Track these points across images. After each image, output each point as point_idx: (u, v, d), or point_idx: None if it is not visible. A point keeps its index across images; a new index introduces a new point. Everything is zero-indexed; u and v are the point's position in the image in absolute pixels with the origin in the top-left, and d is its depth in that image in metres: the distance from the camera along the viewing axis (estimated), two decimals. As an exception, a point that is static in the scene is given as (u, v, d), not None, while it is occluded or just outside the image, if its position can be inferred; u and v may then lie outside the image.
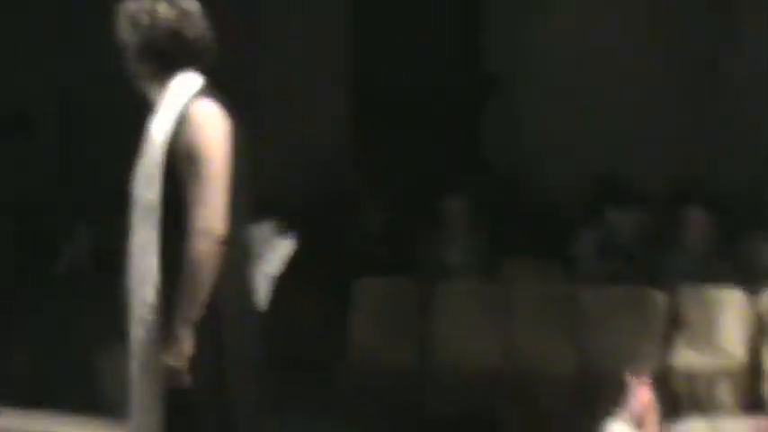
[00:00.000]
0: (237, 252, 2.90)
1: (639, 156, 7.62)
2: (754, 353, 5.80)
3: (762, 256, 6.41)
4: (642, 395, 4.69)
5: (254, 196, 3.00)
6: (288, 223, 5.13)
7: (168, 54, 2.89)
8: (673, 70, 7.69)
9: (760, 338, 5.83)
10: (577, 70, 7.76)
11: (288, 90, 7.85)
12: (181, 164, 2.79)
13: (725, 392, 5.72)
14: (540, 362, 5.87)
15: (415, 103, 7.89)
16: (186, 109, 2.83)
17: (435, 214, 6.73)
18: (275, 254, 3.84)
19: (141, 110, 3.00)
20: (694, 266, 6.40)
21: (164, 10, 2.87)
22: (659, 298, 6.04)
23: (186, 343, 2.74)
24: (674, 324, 6.00)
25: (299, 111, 7.84)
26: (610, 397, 4.87)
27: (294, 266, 5.35)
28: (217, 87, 2.93)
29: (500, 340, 6.00)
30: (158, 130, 2.84)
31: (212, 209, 2.75)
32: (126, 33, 2.92)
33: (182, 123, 2.81)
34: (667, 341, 5.93)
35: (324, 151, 7.61)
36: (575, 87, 7.77)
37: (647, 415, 4.69)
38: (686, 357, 5.82)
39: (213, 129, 2.80)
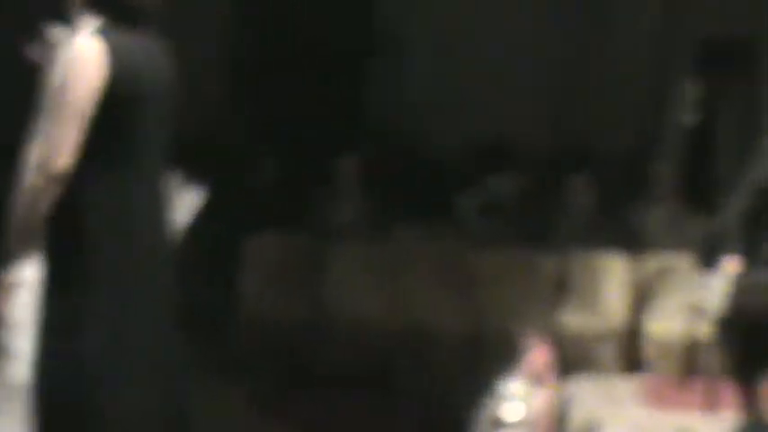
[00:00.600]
0: (136, 200, 2.86)
1: (523, 120, 7.77)
2: (635, 316, 6.01)
3: (643, 221, 6.65)
4: (540, 354, 4.80)
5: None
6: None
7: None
8: (556, 36, 7.85)
9: (641, 303, 6.05)
10: (464, 33, 7.84)
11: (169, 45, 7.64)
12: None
13: (608, 354, 5.92)
14: (431, 320, 5.95)
15: (301, 59, 7.82)
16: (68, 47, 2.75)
17: (327, 172, 6.72)
18: (182, 205, 3.71)
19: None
20: (578, 231, 6.59)
21: None
22: (546, 261, 6.19)
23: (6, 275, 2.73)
24: (561, 287, 6.17)
25: (181, 66, 7.66)
26: (501, 356, 4.97)
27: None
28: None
29: (392, 299, 6.05)
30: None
31: (53, 144, 2.66)
32: None
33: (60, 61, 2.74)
34: (554, 304, 6.09)
35: (209, 108, 7.46)
36: (461, 50, 7.85)
37: (545, 374, 4.81)
38: (571, 320, 5.99)
39: (77, 65, 2.70)
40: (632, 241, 6.39)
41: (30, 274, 2.85)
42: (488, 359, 5.47)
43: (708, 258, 5.03)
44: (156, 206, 3.05)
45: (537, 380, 4.76)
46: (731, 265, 4.56)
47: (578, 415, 4.90)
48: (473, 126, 7.71)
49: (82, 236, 2.75)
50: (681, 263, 6.05)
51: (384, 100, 7.95)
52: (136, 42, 2.87)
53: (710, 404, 5.13)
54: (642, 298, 6.06)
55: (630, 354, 5.94)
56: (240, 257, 6.06)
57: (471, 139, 7.71)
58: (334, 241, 6.24)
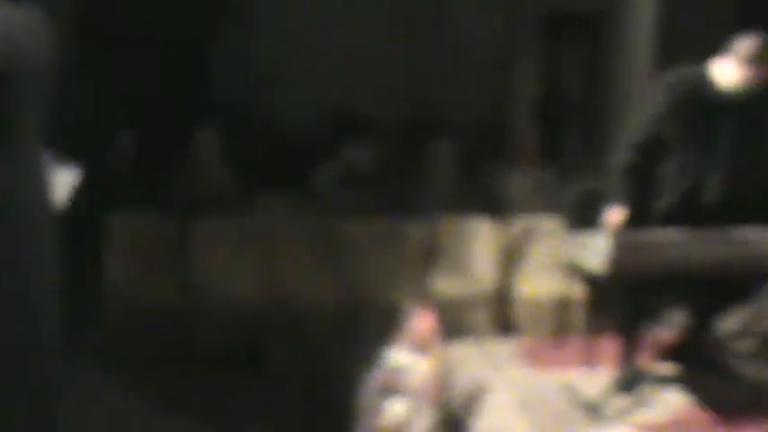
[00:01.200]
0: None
1: (378, 90, 7.76)
2: (505, 279, 6.09)
3: (504, 186, 6.74)
4: (424, 321, 4.80)
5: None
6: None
7: None
8: (409, 5, 7.87)
9: (509, 265, 6.13)
10: (316, 3, 7.76)
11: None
12: None
13: (480, 318, 5.98)
14: (303, 294, 5.86)
15: (148, 31, 7.58)
16: None
17: (185, 147, 6.52)
18: (59, 184, 3.53)
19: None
20: (443, 198, 6.62)
21: None
22: (414, 229, 6.19)
23: None
24: (430, 254, 6.18)
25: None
26: (379, 325, 4.95)
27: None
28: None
29: (261, 273, 5.92)
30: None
31: None
32: None
33: None
34: (424, 271, 6.10)
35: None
36: (313, 20, 7.76)
37: (429, 341, 4.80)
38: (443, 285, 6.01)
39: None
40: (496, 206, 6.47)
41: None
42: (365, 329, 5.45)
43: (584, 217, 5.14)
44: (37, 186, 2.92)
45: (421, 347, 4.76)
46: (611, 223, 4.68)
47: (462, 379, 4.94)
48: (328, 96, 7.66)
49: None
50: (546, 224, 6.17)
51: (237, 72, 7.80)
52: (14, 16, 2.73)
53: (588, 360, 5.26)
54: (510, 261, 6.14)
55: (503, 316, 6.02)
56: (103, 238, 5.82)
57: (327, 109, 7.65)
58: (198, 217, 6.06)
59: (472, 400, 4.67)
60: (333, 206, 6.60)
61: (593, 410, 4.71)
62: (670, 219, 4.73)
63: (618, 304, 5.01)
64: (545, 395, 4.95)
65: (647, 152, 4.76)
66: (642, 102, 5.08)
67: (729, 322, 5.29)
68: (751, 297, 5.25)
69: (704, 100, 4.66)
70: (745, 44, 4.57)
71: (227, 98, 7.70)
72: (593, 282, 5.29)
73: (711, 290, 5.12)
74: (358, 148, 7.17)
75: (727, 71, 4.60)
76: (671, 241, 4.61)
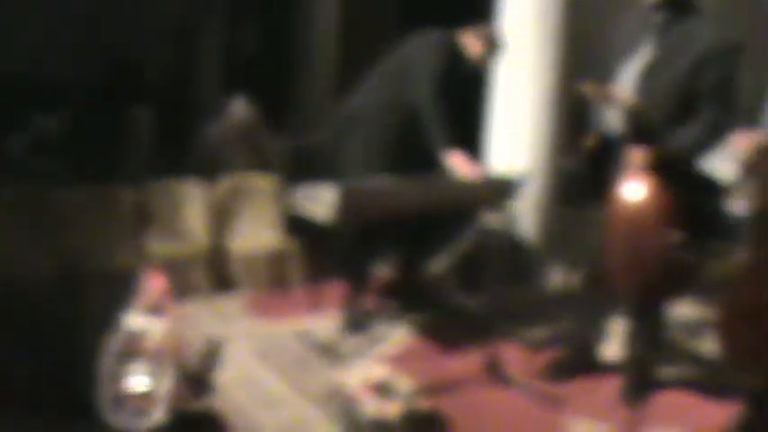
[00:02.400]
0: None
1: (66, 49, 7.52)
2: (218, 238, 6.18)
3: (210, 144, 6.80)
4: (156, 283, 4.82)
5: None
6: None
7: None
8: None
9: (221, 224, 6.22)
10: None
11: None
12: None
13: (199, 276, 6.04)
14: (21, 267, 5.66)
15: None
16: None
17: None
18: None
19: None
20: (146, 161, 6.59)
21: None
22: (125, 194, 6.13)
23: None
24: (143, 218, 6.15)
25: None
26: (102, 292, 4.92)
27: None
28: None
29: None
30: None
31: None
32: None
33: None
34: (139, 234, 6.07)
35: None
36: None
37: (163, 302, 4.83)
38: (158, 247, 6.00)
39: None
40: (203, 166, 6.53)
41: None
42: (91, 297, 5.38)
43: (296, 172, 5.35)
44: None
45: (155, 309, 4.78)
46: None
47: (198, 337, 5.01)
48: (11, 60, 7.34)
49: None
50: (257, 182, 6.31)
51: None
52: None
53: (315, 306, 5.49)
54: (223, 219, 6.24)
55: (220, 274, 6.11)
56: None
57: (8, 75, 7.34)
58: None
59: (211, 357, 4.76)
60: (30, 176, 6.39)
61: (329, 352, 4.95)
62: None
63: (343, 250, 5.27)
64: (282, 343, 5.13)
65: None
66: None
67: (439, 260, 5.71)
68: (455, 237, 5.69)
69: None
70: None
71: None
72: (314, 232, 5.51)
73: (422, 231, 5.53)
74: (46, 115, 6.96)
75: None
76: (390, 189, 4.90)
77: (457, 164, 5.18)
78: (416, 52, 5.41)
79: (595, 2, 6.63)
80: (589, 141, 4.74)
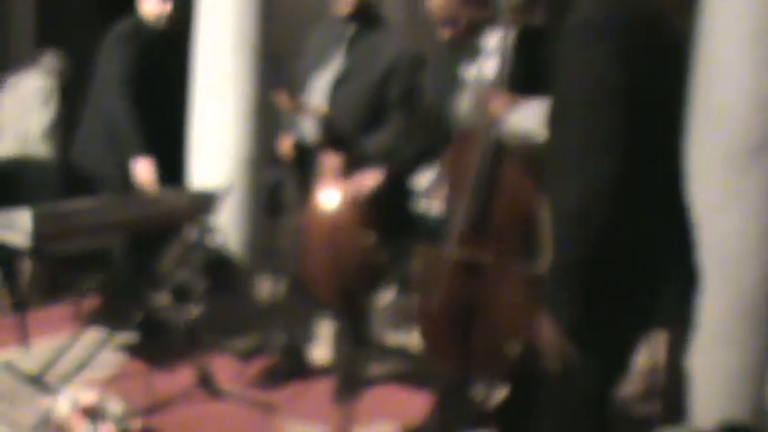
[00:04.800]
0: None
1: None
2: None
3: None
4: None
5: None
6: None
7: None
8: None
9: None
10: None
11: None
12: None
13: None
14: None
15: None
16: None
17: None
18: None
19: None
20: None
21: None
22: None
23: None
24: None
25: None
26: None
27: None
28: None
29: None
30: None
31: None
32: None
33: None
34: None
35: None
36: None
37: None
38: None
39: None
40: None
41: None
42: None
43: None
44: None
45: None
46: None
47: None
48: None
49: None
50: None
51: None
52: None
53: (20, 336, 5.31)
54: None
55: None
56: None
57: None
58: None
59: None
60: None
61: (37, 382, 4.79)
62: None
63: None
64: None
65: None
66: None
67: (145, 277, 5.63)
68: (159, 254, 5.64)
69: None
70: None
71: None
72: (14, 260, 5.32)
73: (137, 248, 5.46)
74: None
75: None
76: (89, 207, 4.79)
77: (140, 172, 5.21)
78: (102, 56, 5.41)
79: (291, 12, 6.77)
80: (286, 150, 4.86)
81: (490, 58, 3.85)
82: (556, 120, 2.86)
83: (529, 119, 3.27)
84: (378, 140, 4.59)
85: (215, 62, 6.07)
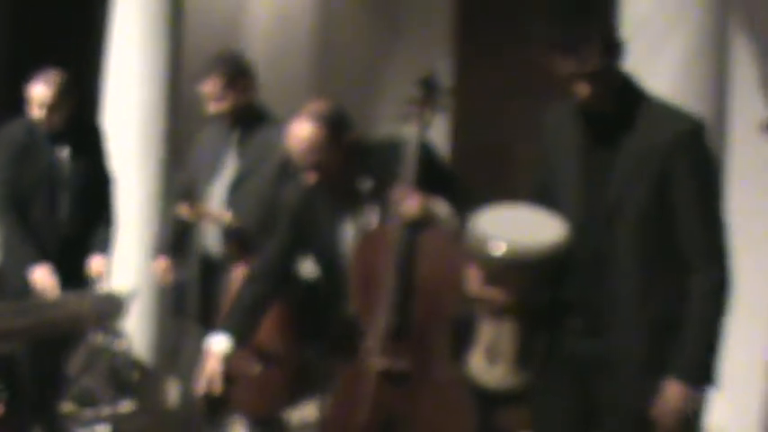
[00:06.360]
0: None
1: None
2: None
3: None
4: None
5: None
6: None
7: None
8: None
9: None
10: None
11: None
12: None
13: None
14: None
15: None
16: None
17: None
18: None
19: None
20: None
21: None
22: None
23: None
24: None
25: None
26: None
27: None
28: None
29: None
30: None
31: None
32: None
33: None
34: None
35: None
36: None
37: None
38: None
39: None
40: None
41: None
42: None
43: None
44: None
45: None
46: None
47: None
48: None
49: None
50: None
51: None
52: None
53: None
54: None
55: None
56: None
57: None
58: None
59: None
60: None
61: None
62: None
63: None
64: None
65: None
66: None
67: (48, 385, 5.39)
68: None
69: None
70: None
71: None
72: None
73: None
74: None
75: None
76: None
77: (37, 279, 4.99)
78: None
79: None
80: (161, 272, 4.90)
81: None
82: None
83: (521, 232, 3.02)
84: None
85: (119, 166, 5.81)
